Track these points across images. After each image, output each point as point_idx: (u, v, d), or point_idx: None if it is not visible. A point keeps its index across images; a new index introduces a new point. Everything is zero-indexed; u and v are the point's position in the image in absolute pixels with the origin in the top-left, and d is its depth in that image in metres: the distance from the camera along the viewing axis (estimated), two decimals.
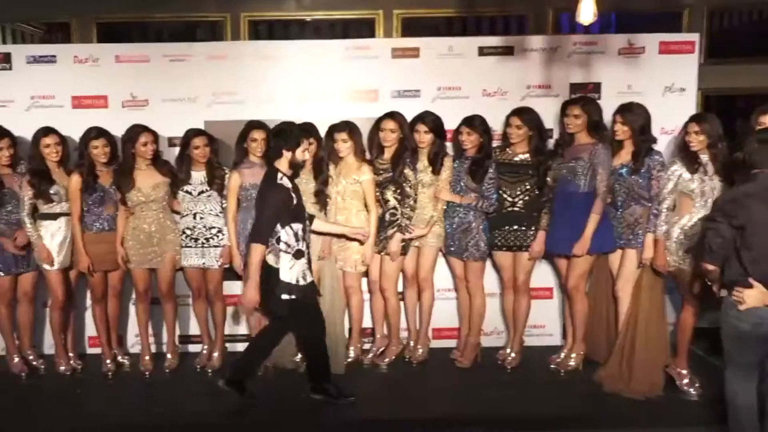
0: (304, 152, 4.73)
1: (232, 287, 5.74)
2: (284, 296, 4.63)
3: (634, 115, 5.07)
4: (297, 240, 4.65)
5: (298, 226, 4.66)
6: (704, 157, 4.80)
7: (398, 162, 5.28)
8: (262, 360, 5.08)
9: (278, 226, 4.59)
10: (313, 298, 4.84)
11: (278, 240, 4.61)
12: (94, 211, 5.31)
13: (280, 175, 4.65)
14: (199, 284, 5.52)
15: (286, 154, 4.66)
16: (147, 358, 5.59)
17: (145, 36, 7.76)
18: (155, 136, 5.37)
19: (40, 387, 5.38)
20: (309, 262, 4.76)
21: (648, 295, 5.08)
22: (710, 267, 3.84)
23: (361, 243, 5.28)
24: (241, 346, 5.80)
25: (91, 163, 5.27)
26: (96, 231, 5.32)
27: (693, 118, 4.92)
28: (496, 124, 5.52)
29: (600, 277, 5.47)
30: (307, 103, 5.78)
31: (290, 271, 4.64)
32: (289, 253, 4.62)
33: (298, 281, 4.66)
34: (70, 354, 5.62)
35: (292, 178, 4.72)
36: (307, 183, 5.23)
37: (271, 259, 4.65)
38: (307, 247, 4.75)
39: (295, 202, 4.63)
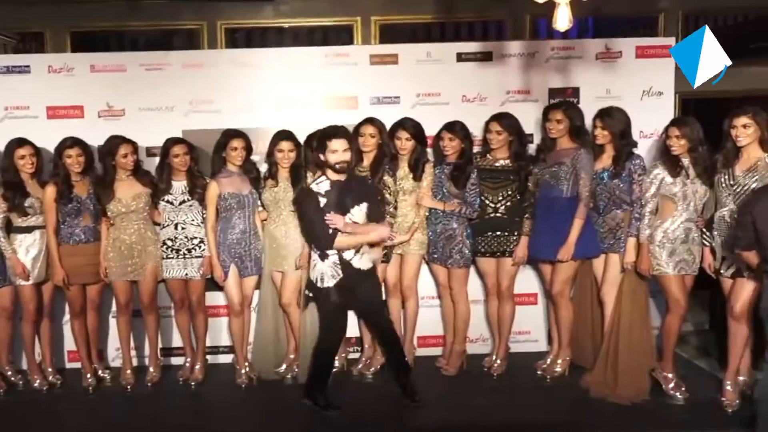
0: (335, 153, 4.69)
1: (214, 298, 5.73)
2: (305, 290, 4.89)
3: (614, 119, 5.06)
4: None
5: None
6: (686, 161, 4.83)
7: (377, 169, 5.25)
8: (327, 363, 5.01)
9: None
10: (332, 305, 4.80)
11: None
12: (70, 222, 5.23)
13: (321, 177, 4.79)
14: (181, 295, 5.45)
15: (321, 158, 4.77)
16: (129, 371, 5.49)
17: (120, 45, 7.71)
18: (135, 147, 5.31)
19: (18, 403, 5.27)
20: (342, 266, 4.74)
21: (630, 299, 5.08)
22: (740, 252, 4.31)
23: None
24: (223, 359, 5.83)
25: (66, 173, 5.21)
26: (73, 243, 5.24)
27: (673, 123, 4.94)
28: (476, 129, 5.49)
29: (584, 283, 5.48)
30: (285, 111, 5.77)
31: (313, 270, 4.79)
32: (315, 252, 4.77)
33: (315, 281, 4.77)
34: (49, 369, 5.53)
35: (341, 180, 4.76)
36: (285, 191, 5.22)
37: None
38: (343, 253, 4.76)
39: (323, 204, 4.68)
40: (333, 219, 4.68)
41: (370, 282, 4.96)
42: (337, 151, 4.68)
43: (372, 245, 4.89)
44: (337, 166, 4.70)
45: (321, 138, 4.77)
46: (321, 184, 4.75)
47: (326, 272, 4.73)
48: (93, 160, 5.35)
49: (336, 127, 4.82)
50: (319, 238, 4.70)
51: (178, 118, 5.72)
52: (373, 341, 5.57)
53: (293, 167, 5.25)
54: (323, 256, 4.72)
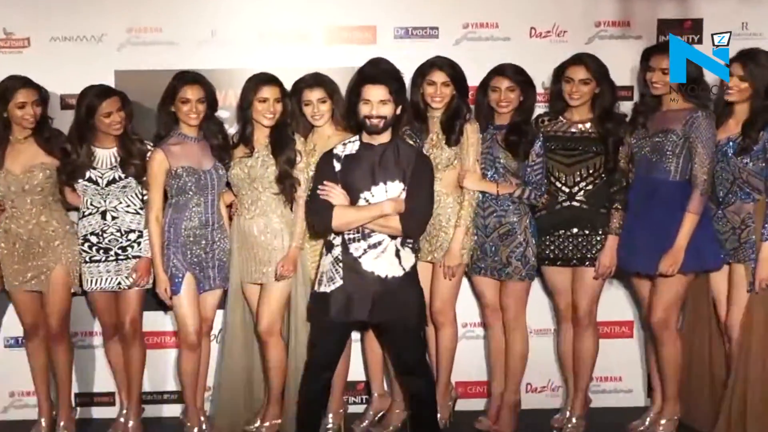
0: (367, 104, 4.51)
1: (157, 321, 5.49)
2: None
3: (760, 67, 4.70)
4: None
5: None
6: None
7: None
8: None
9: None
10: (324, 319, 4.58)
11: None
12: None
13: (354, 138, 4.66)
14: (113, 316, 5.15)
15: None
16: (44, 423, 5.21)
17: None
18: (41, 95, 4.96)
19: None
20: (344, 266, 4.51)
21: (764, 331, 4.82)
22: None
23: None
24: (168, 409, 5.60)
25: None
26: None
27: None
28: (547, 78, 5.20)
29: (699, 307, 5.17)
30: (269, 46, 5.52)
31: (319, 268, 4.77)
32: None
33: (314, 284, 4.72)
34: None
35: (374, 144, 4.56)
36: (264, 165, 4.91)
37: None
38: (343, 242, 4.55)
39: (337, 170, 4.55)
40: (327, 189, 4.52)
41: (398, 298, 4.55)
42: (371, 101, 4.45)
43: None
44: (369, 122, 4.49)
45: (357, 81, 4.71)
46: (349, 145, 4.61)
47: (326, 271, 4.58)
48: None
49: (375, 65, 4.88)
50: (316, 212, 4.58)
51: (109, 53, 5.43)
52: (391, 388, 5.30)
53: (276, 128, 4.92)
54: (328, 247, 4.59)
